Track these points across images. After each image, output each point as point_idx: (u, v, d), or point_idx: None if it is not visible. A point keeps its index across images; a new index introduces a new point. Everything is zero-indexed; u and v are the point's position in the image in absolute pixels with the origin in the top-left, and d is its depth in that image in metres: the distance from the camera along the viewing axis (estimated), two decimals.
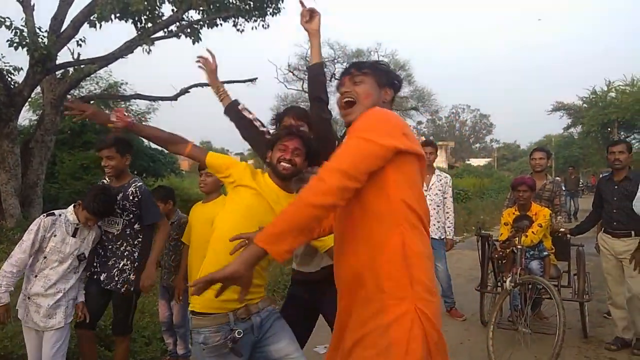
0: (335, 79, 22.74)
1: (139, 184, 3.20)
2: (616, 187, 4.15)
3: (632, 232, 4.02)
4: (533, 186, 4.42)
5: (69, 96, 10.95)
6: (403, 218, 1.47)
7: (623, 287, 4.12)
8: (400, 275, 1.43)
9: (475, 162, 56.94)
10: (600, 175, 5.73)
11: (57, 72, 10.03)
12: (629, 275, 3.99)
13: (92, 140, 12.57)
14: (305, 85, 22.45)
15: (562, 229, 4.46)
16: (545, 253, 4.29)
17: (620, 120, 24.56)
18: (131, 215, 3.15)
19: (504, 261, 4.42)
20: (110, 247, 3.15)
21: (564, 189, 14.79)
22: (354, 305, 1.53)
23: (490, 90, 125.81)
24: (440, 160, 54.69)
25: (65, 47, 9.71)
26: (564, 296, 4.49)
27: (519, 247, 3.93)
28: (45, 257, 2.87)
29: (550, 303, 4.20)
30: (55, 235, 2.88)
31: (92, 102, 13.21)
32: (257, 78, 13.85)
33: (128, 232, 3.16)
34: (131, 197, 3.13)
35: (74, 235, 2.92)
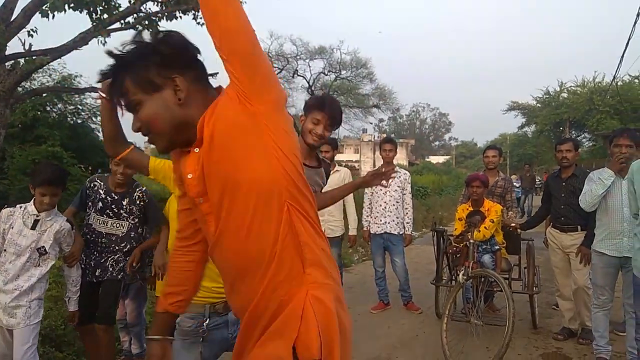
0: (299, 75, 22.75)
1: (143, 189, 3.38)
2: (564, 184, 4.34)
3: (579, 227, 4.22)
4: (486, 182, 4.57)
5: (19, 88, 10.50)
6: (287, 192, 1.19)
7: (570, 280, 4.32)
8: (291, 262, 1.18)
9: (434, 159, 58.20)
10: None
11: (6, 63, 9.58)
12: (575, 268, 4.19)
13: (45, 134, 12.03)
14: None
15: (513, 224, 4.63)
16: (496, 247, 4.44)
17: (571, 120, 25.64)
18: (137, 220, 3.33)
19: (458, 255, 4.56)
20: (111, 247, 3.27)
21: (517, 186, 15.26)
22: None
23: (450, 89, 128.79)
24: (401, 158, 55.52)
25: (16, 37, 9.28)
26: (514, 289, 4.67)
27: (471, 241, 4.06)
28: (5, 250, 2.78)
29: (501, 295, 4.37)
30: (12, 227, 2.79)
31: (44, 94, 12.68)
32: (217, 73, 13.61)
33: (132, 235, 3.34)
34: (138, 201, 3.30)
35: (33, 228, 2.80)
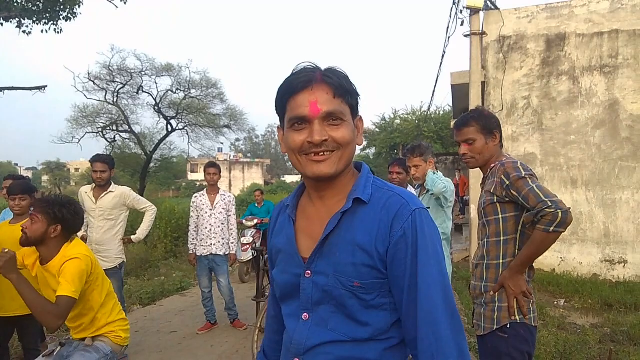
0: (144, 91, 21.84)
1: None
2: None
3: None
4: None
5: None
6: None
7: None
8: None
9: (289, 178, 59.87)
10: None
11: None
12: None
13: None
14: (109, 96, 21.06)
15: None
16: None
17: (404, 144, 28.56)
18: None
19: None
20: None
21: None
22: None
23: None
24: (257, 177, 56.17)
25: None
26: None
27: None
28: None
29: None
30: None
31: None
32: (46, 86, 12.58)
33: None
34: None
35: None
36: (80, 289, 2.40)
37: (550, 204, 2.03)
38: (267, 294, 5.23)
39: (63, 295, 2.30)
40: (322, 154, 1.13)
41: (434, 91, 30.72)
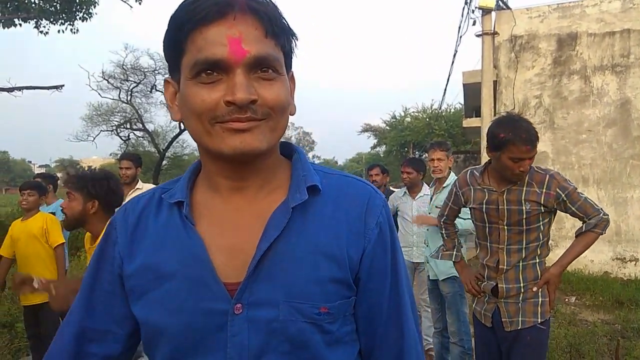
0: (157, 90, 22.13)
1: None
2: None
3: None
4: None
5: None
6: None
7: None
8: None
9: None
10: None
11: None
12: None
13: None
14: (123, 95, 21.37)
15: None
16: None
17: (414, 142, 28.64)
18: None
19: None
20: None
21: None
22: None
23: (312, 110, 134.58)
24: None
25: None
26: None
27: None
28: None
29: None
30: None
31: None
32: (63, 85, 12.83)
33: None
34: None
35: None
36: None
37: (603, 212, 2.35)
38: None
39: None
40: (246, 121, 0.72)
41: (445, 89, 30.73)
